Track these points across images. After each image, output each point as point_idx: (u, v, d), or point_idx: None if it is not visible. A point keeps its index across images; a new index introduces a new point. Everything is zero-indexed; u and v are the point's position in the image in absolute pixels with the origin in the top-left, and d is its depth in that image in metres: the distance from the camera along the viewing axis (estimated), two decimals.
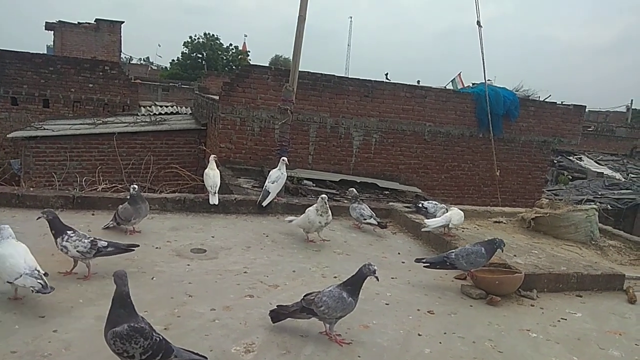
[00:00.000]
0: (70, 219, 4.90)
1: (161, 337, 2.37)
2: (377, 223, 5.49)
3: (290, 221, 5.20)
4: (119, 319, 2.31)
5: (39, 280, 2.94)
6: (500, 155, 12.47)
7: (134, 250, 3.80)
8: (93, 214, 5.15)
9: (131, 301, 2.40)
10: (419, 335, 3.26)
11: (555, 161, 23.48)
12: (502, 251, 4.22)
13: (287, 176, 6.30)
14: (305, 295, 3.06)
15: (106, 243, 3.63)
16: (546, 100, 14.85)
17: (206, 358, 2.46)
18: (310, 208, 5.02)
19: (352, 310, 3.02)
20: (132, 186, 4.68)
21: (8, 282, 2.99)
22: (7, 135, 13.42)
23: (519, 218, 6.40)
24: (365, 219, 5.52)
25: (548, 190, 17.34)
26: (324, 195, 5.04)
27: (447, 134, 12.48)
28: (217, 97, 11.84)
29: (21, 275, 2.93)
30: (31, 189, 6.77)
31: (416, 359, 2.97)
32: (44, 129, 12.93)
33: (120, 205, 4.65)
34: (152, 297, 3.37)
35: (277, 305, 3.12)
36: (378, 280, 3.12)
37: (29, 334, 2.75)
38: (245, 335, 2.99)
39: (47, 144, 12.13)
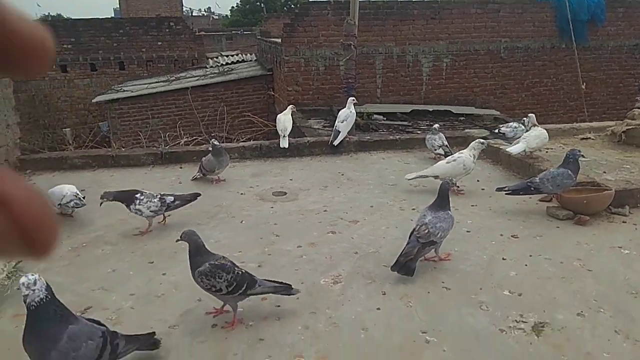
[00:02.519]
0: (162, 173, 5.33)
1: (244, 271, 2.59)
2: (443, 153, 5.35)
3: (421, 176, 4.50)
4: (200, 261, 2.54)
5: (75, 201, 3.92)
6: (587, 66, 11.43)
7: (196, 199, 3.93)
8: (181, 167, 5.53)
9: (206, 249, 2.61)
10: (503, 259, 3.27)
11: None
12: (582, 157, 4.02)
13: (357, 112, 6.28)
14: (411, 235, 3.06)
15: (172, 197, 3.83)
16: None
17: (290, 285, 2.66)
18: (461, 155, 4.41)
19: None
20: (212, 141, 4.93)
21: (58, 204, 3.89)
22: (92, 100, 14.40)
23: (609, 132, 5.96)
24: (435, 149, 5.42)
25: None
26: (482, 140, 4.55)
27: (526, 48, 11.58)
28: (279, 40, 11.79)
29: (64, 196, 3.90)
30: (122, 149, 7.33)
31: (501, 283, 3.00)
32: (124, 90, 13.70)
33: (204, 158, 4.94)
34: (244, 239, 3.63)
35: (396, 261, 3.00)
36: (458, 187, 3.33)
37: (142, 278, 3.12)
38: (331, 268, 3.17)
39: (129, 105, 12.88)
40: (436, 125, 5.69)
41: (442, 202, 3.18)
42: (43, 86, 15.22)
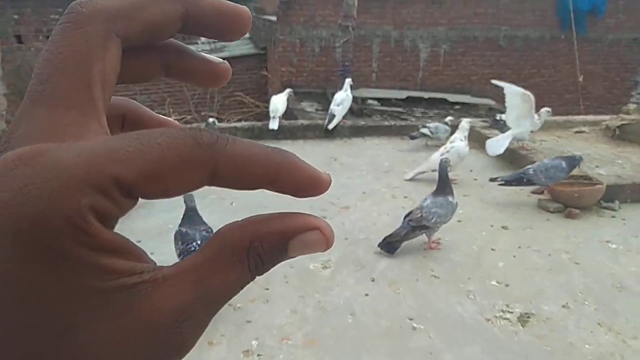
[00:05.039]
0: None
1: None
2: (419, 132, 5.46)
3: (419, 173, 4.48)
4: (182, 224, 2.77)
5: None
6: (585, 58, 11.40)
7: None
8: None
9: (195, 213, 2.79)
10: (492, 250, 3.28)
11: None
12: (579, 167, 4.05)
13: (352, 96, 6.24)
14: (405, 217, 3.13)
15: None
16: None
17: None
18: (453, 145, 4.38)
19: (456, 209, 3.18)
20: (209, 120, 4.92)
21: None
22: None
23: (603, 126, 5.96)
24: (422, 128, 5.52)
25: (638, 94, 15.82)
26: (468, 120, 4.72)
27: (525, 37, 11.52)
28: (274, 18, 11.62)
29: None
30: None
31: (489, 273, 3.02)
32: None
33: None
34: (234, 220, 3.61)
35: (383, 238, 3.16)
36: (450, 165, 3.38)
37: None
38: (321, 254, 3.16)
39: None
40: (449, 118, 5.77)
41: (442, 185, 3.17)
42: (29, 57, 14.89)
